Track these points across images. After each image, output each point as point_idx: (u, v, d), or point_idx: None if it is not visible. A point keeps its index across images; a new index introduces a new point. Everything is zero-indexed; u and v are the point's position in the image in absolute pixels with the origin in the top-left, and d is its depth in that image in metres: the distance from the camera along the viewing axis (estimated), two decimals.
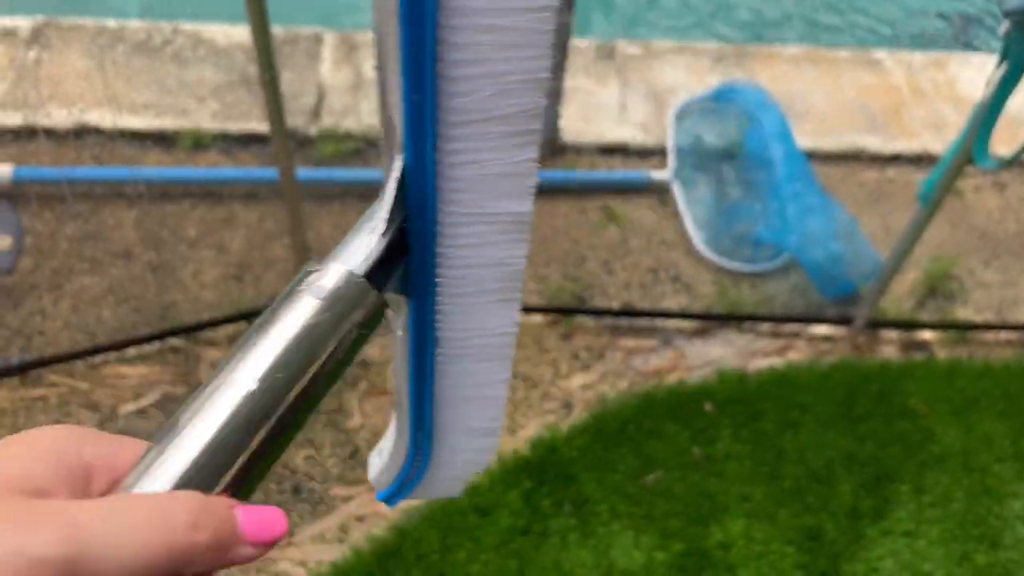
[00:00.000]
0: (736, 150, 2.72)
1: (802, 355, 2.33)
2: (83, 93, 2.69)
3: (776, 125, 2.65)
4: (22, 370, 2.11)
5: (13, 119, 2.60)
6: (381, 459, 0.43)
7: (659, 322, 2.36)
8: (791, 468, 2.03)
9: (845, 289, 2.42)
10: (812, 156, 2.74)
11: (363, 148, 2.68)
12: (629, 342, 2.32)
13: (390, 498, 0.41)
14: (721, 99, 2.78)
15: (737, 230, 2.55)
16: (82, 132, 2.61)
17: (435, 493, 0.41)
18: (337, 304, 0.35)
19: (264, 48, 1.64)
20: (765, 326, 2.38)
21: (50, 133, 2.60)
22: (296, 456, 2.04)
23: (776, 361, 2.30)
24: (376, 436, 2.08)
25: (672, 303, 2.41)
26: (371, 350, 2.22)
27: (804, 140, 2.75)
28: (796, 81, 2.97)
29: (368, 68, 2.88)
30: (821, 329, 2.39)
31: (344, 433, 2.09)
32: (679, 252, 2.53)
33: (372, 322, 0.36)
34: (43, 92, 2.69)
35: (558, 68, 2.46)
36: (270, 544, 0.35)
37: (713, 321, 2.36)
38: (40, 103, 2.65)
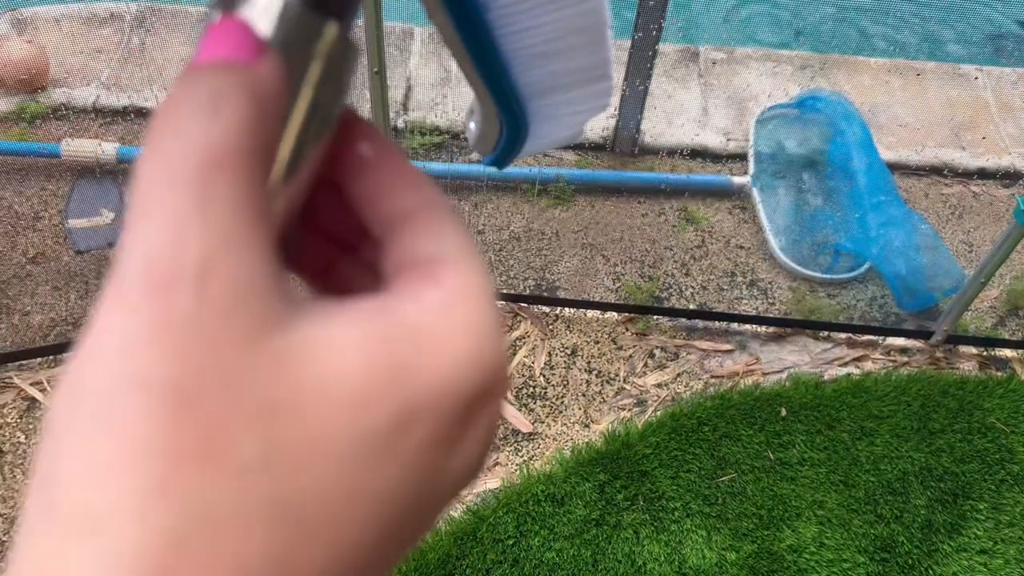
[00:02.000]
0: (818, 158, 2.72)
1: (878, 366, 2.32)
2: None
3: (859, 135, 2.64)
4: None
5: (119, 100, 2.73)
6: (476, 124, 0.33)
7: (735, 325, 2.38)
8: (865, 477, 2.04)
9: (925, 302, 2.41)
10: (895, 168, 2.73)
11: (447, 142, 2.75)
12: (704, 344, 2.34)
13: (497, 162, 0.33)
14: (804, 107, 2.78)
15: (816, 238, 2.55)
16: None
17: (547, 146, 0.33)
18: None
19: (376, 43, 1.71)
20: (842, 335, 2.38)
21: (152, 114, 2.71)
22: None
23: (852, 370, 2.30)
24: None
25: (748, 307, 2.42)
26: None
27: (887, 151, 2.74)
28: (881, 92, 2.96)
29: (455, 64, 2.94)
30: (899, 341, 2.38)
31: None
32: (757, 257, 2.55)
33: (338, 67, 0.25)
34: (147, 75, 2.81)
35: (645, 71, 2.49)
36: None
37: (789, 327, 2.37)
38: (144, 85, 2.77)
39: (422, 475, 0.20)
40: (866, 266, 2.47)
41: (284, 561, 0.18)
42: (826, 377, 2.27)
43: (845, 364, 2.33)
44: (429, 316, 0.21)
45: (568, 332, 2.35)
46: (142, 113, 2.73)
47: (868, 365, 2.33)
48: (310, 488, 0.18)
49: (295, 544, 0.18)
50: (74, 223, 2.46)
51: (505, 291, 2.38)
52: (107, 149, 2.53)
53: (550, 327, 2.35)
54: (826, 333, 2.38)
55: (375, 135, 0.27)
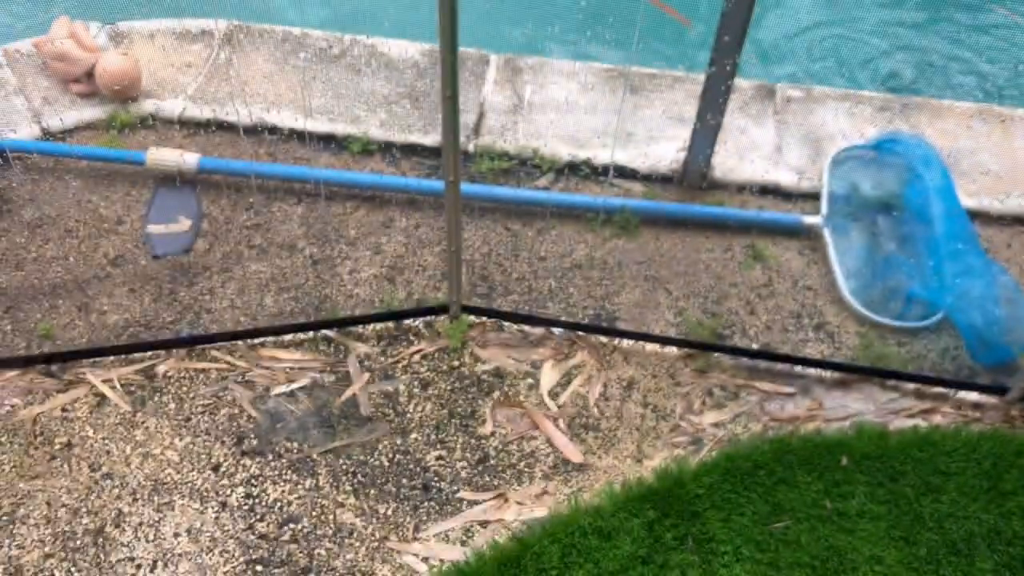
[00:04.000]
0: (894, 202, 2.65)
1: (948, 420, 2.23)
2: (266, 93, 2.90)
3: (939, 180, 2.56)
4: (190, 343, 2.29)
5: (203, 112, 2.83)
6: None
7: (798, 369, 2.32)
8: (928, 535, 1.95)
9: (1001, 356, 2.31)
10: (976, 216, 2.64)
11: (515, 168, 2.77)
12: (766, 385, 2.29)
13: None
14: (883, 149, 2.72)
15: (888, 283, 2.47)
16: (262, 129, 2.82)
17: None
18: None
19: (451, 68, 1.74)
20: (910, 385, 2.30)
21: (234, 128, 2.81)
22: (428, 455, 2.11)
23: (920, 423, 2.22)
24: (506, 446, 2.14)
25: (814, 351, 2.36)
26: (507, 362, 2.29)
27: (968, 199, 2.65)
28: (964, 137, 2.87)
29: (528, 91, 2.97)
30: (971, 395, 2.28)
31: (475, 439, 2.15)
32: (825, 300, 2.48)
33: None
34: (231, 90, 2.92)
35: (718, 107, 2.47)
36: None
37: (855, 374, 2.30)
38: (228, 100, 2.87)
39: None
40: (939, 315, 2.38)
41: None
42: (891, 428, 2.19)
43: (912, 416, 2.24)
44: None
45: (625, 364, 2.33)
46: (224, 126, 2.82)
47: (937, 418, 2.24)
48: None
49: None
50: (153, 229, 2.56)
51: (564, 319, 2.38)
52: (189, 159, 2.63)
53: (607, 358, 2.34)
54: (894, 382, 2.30)
55: None
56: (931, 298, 2.39)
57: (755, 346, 2.36)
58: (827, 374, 2.31)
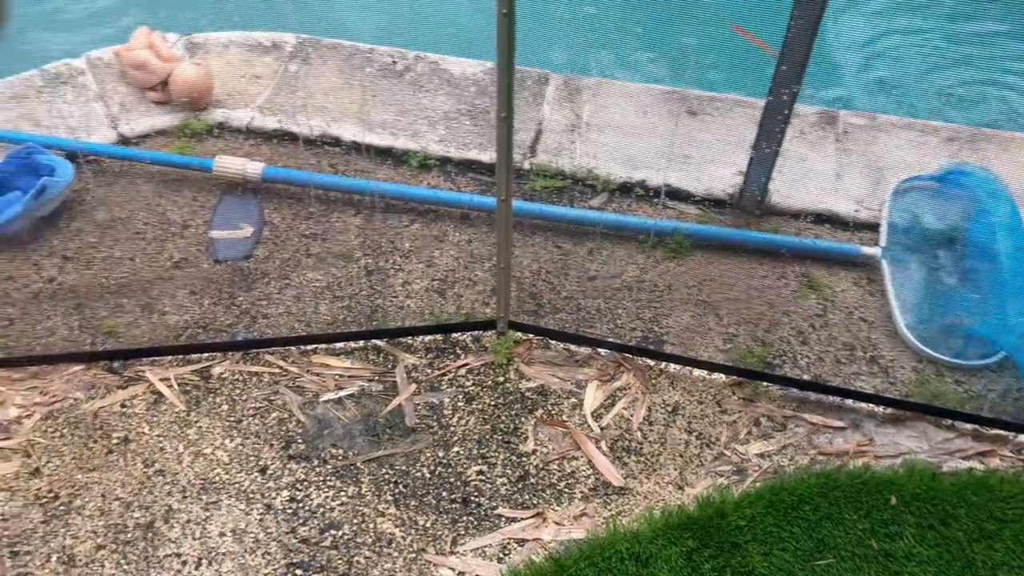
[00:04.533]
0: (957, 236, 2.58)
1: (1007, 464, 2.16)
2: (331, 107, 2.98)
3: (1007, 215, 2.49)
4: (245, 347, 2.35)
5: (270, 123, 2.92)
6: None
7: (849, 402, 2.27)
8: None
9: None
10: None
11: (569, 186, 2.78)
12: (815, 418, 2.24)
13: None
14: (947, 181, 2.65)
15: (948, 319, 2.41)
16: (325, 142, 2.89)
17: None
18: None
19: (507, 89, 1.77)
20: (967, 426, 2.23)
21: (298, 139, 2.90)
22: (469, 469, 2.13)
23: (975, 465, 2.15)
24: (547, 464, 2.14)
25: (866, 385, 2.31)
26: (552, 380, 2.30)
27: None
28: None
29: (586, 111, 2.98)
30: None
31: (517, 456, 2.16)
32: (880, 333, 2.43)
33: None
34: (298, 102, 3.00)
35: (778, 132, 2.44)
36: None
37: (909, 411, 2.24)
38: (294, 111, 2.96)
39: None
40: (1001, 355, 2.31)
41: None
42: (945, 469, 2.12)
43: (968, 457, 2.17)
44: None
45: (671, 389, 2.31)
46: (288, 137, 2.91)
47: (995, 462, 2.17)
48: None
49: None
50: (216, 234, 2.64)
51: (611, 339, 2.37)
52: (253, 168, 2.72)
53: (653, 381, 2.32)
54: (949, 422, 2.24)
55: None
56: (992, 336, 2.31)
57: (805, 377, 2.32)
58: (879, 409, 2.26)
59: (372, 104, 3.01)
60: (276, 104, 3.00)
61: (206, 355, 2.34)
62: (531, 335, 2.39)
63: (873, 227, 2.64)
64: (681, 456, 2.17)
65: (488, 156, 2.85)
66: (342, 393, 2.28)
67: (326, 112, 2.97)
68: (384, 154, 2.88)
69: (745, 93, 3.03)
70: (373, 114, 2.97)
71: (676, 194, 2.76)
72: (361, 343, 2.38)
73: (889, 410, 2.25)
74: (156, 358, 2.34)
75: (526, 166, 2.82)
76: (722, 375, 2.33)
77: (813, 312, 2.48)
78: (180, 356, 2.34)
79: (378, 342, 2.38)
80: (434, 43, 3.17)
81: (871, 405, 2.26)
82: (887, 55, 3.58)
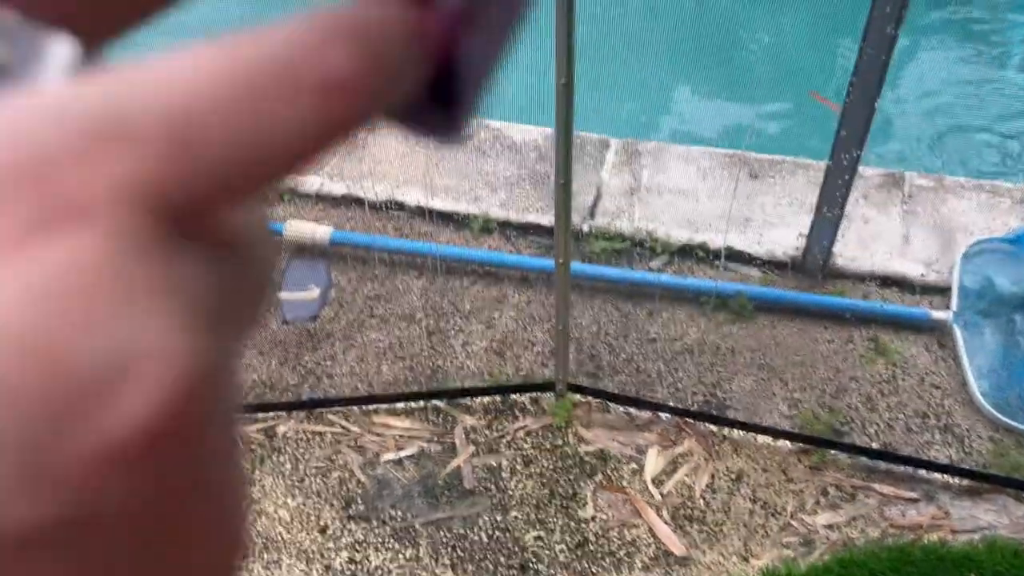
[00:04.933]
0: None
1: None
2: (396, 172, 3.08)
3: None
4: (310, 406, 2.40)
5: (338, 188, 3.03)
6: None
7: (923, 472, 2.18)
8: None
9: None
10: None
11: (628, 248, 2.79)
12: (886, 488, 2.16)
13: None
14: (1021, 243, 2.57)
15: None
16: (390, 206, 2.98)
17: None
18: None
19: (565, 156, 1.81)
20: None
21: (364, 204, 2.99)
22: (527, 534, 2.11)
23: None
24: (606, 531, 2.11)
25: (940, 454, 2.22)
26: (611, 444, 2.28)
27: None
28: None
29: (646, 174, 3.01)
30: None
31: (575, 522, 2.13)
32: (954, 400, 2.34)
33: None
34: (364, 168, 3.11)
35: (843, 194, 2.42)
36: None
37: (987, 483, 2.14)
38: (360, 177, 3.07)
39: None
40: None
41: None
42: None
43: None
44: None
45: (735, 455, 2.26)
46: (356, 202, 3.01)
47: None
48: None
49: None
50: (285, 296, 2.73)
51: (672, 404, 2.35)
52: (322, 232, 2.81)
53: (716, 447, 2.28)
54: None
55: None
56: None
57: (875, 445, 2.25)
58: (955, 480, 2.16)
59: (436, 170, 3.10)
60: (344, 171, 3.11)
61: (272, 414, 2.39)
62: (590, 397, 2.38)
63: (942, 290, 2.57)
64: (745, 526, 2.11)
65: (548, 219, 2.88)
66: (402, 453, 2.30)
67: (391, 178, 3.07)
68: (447, 218, 2.95)
69: (808, 156, 3.01)
70: (436, 179, 3.05)
71: (737, 256, 2.74)
72: (421, 403, 2.41)
73: (966, 482, 2.16)
74: None
75: (585, 228, 2.85)
76: (787, 442, 2.27)
77: (882, 378, 2.41)
78: (248, 415, 2.40)
79: (438, 403, 2.40)
80: (497, 110, 3.26)
81: (946, 476, 2.17)
82: (950, 112, 3.53)
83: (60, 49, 0.16)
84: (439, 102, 0.19)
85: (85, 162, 0.13)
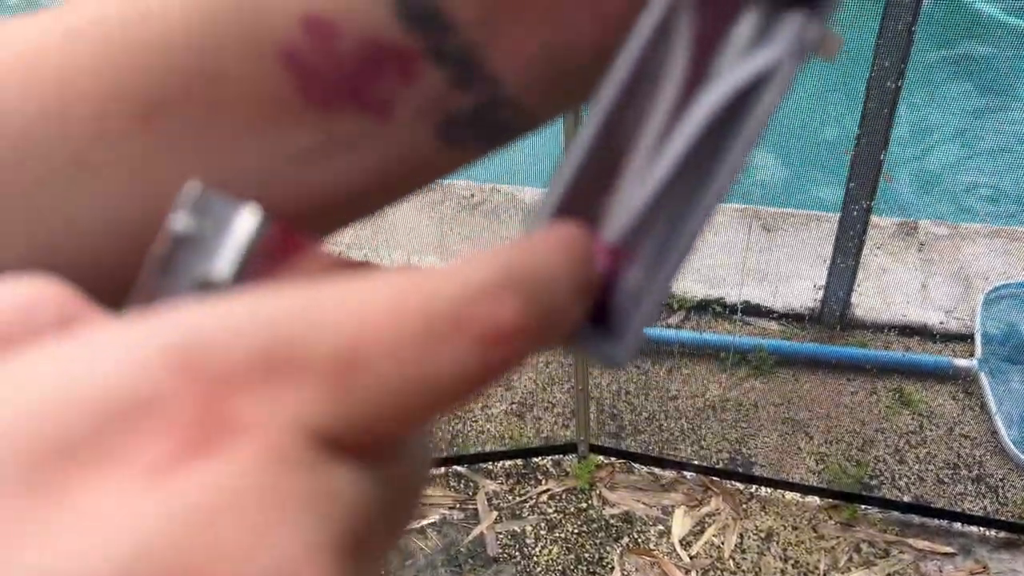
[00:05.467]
0: None
1: None
2: (412, 240, 3.12)
3: None
4: None
5: (356, 256, 3.06)
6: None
7: (958, 525, 2.13)
8: None
9: None
10: None
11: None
12: (921, 543, 2.10)
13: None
14: None
15: None
16: None
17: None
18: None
19: None
20: None
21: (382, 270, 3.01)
22: None
23: None
24: None
25: (974, 506, 2.16)
26: (637, 506, 2.24)
27: None
28: None
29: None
30: None
31: None
32: (984, 449, 2.29)
33: None
34: (381, 236, 3.15)
35: (856, 245, 2.42)
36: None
37: None
38: (377, 246, 3.10)
39: None
40: None
41: None
42: None
43: None
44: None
45: (763, 513, 2.21)
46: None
47: None
48: None
49: None
50: None
51: (696, 462, 2.31)
52: None
53: (743, 506, 2.23)
54: None
55: None
56: None
57: (906, 498, 2.20)
58: (991, 533, 2.10)
59: (450, 236, 3.13)
60: (361, 239, 3.15)
61: None
62: (613, 458, 2.35)
63: (964, 337, 2.54)
64: None
65: None
66: (424, 522, 2.27)
67: (408, 246, 3.10)
68: None
69: (819, 208, 3.03)
70: (451, 245, 3.08)
71: (755, 310, 2.74)
72: (442, 469, 2.38)
73: (1003, 534, 2.10)
74: None
75: None
76: (816, 498, 2.23)
77: (909, 429, 2.37)
78: None
79: (458, 468, 2.38)
80: (509, 173, 3.31)
81: (982, 528, 2.11)
82: (961, 156, 3.54)
83: (245, 221, 0.17)
84: (601, 325, 0.19)
85: (254, 387, 0.13)
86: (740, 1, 0.20)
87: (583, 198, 0.20)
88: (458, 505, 2.29)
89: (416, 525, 2.25)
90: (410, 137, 0.23)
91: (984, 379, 2.41)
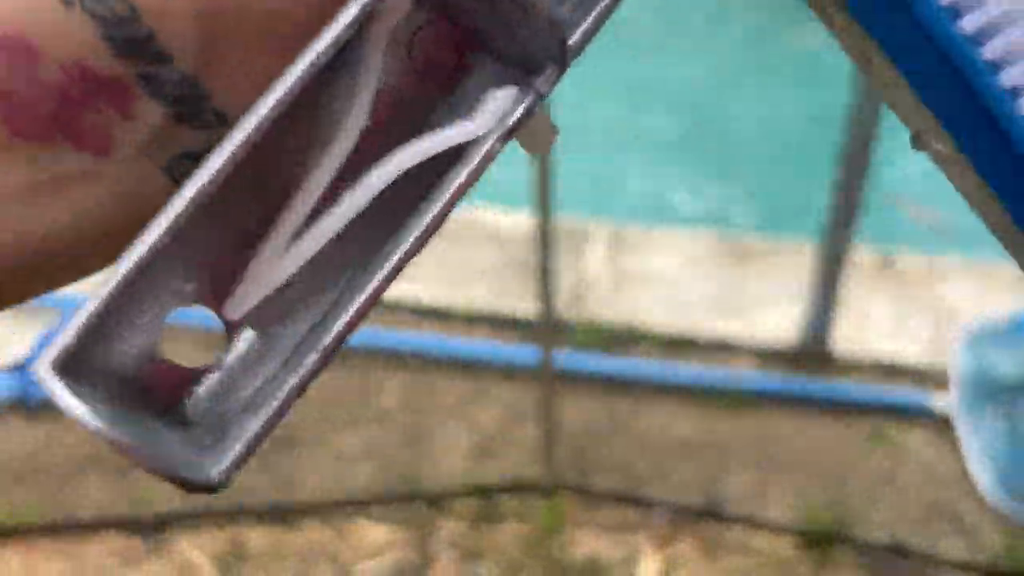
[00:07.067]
0: None
1: None
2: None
3: None
4: (282, 513, 2.27)
5: None
6: None
7: (931, 570, 2.06)
8: None
9: None
10: None
11: (615, 338, 2.72)
12: None
13: None
14: (1020, 326, 2.51)
15: None
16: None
17: None
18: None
19: (545, 241, 1.76)
20: None
21: None
22: None
23: None
24: None
25: (951, 547, 2.10)
26: (603, 547, 2.14)
27: None
28: None
29: (632, 261, 2.96)
30: None
31: None
32: (959, 491, 2.23)
33: None
34: None
35: (831, 281, 2.37)
36: None
37: None
38: None
39: None
40: None
41: None
42: None
43: None
44: None
45: (734, 555, 2.14)
46: None
47: None
48: None
49: None
50: None
51: (666, 501, 2.23)
52: None
53: (714, 548, 2.15)
54: None
55: None
56: None
57: (883, 540, 2.12)
58: None
59: (417, 260, 3.04)
60: None
61: (242, 522, 2.26)
62: (579, 497, 2.26)
63: (941, 375, 2.49)
64: None
65: (530, 310, 2.82)
66: (379, 564, 2.16)
67: None
68: (427, 311, 2.88)
69: (796, 241, 2.98)
70: (417, 271, 3.00)
71: (729, 345, 2.67)
72: (399, 508, 2.28)
73: None
74: (191, 525, 2.27)
75: (569, 319, 2.77)
76: (790, 539, 2.15)
77: (884, 469, 2.30)
78: (213, 524, 2.27)
79: (418, 506, 2.28)
80: (477, 194, 3.24)
81: (957, 571, 2.04)
82: (944, 190, 3.52)
83: None
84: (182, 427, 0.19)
85: None
86: (456, 58, 0.19)
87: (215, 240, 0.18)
88: (416, 546, 2.19)
89: (371, 565, 2.15)
90: (137, 174, 0.21)
91: (959, 420, 2.36)
